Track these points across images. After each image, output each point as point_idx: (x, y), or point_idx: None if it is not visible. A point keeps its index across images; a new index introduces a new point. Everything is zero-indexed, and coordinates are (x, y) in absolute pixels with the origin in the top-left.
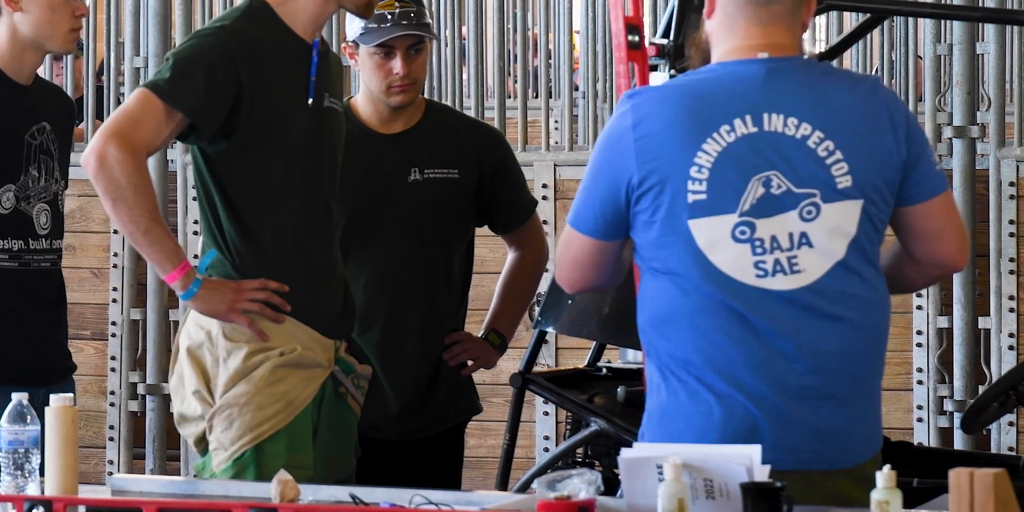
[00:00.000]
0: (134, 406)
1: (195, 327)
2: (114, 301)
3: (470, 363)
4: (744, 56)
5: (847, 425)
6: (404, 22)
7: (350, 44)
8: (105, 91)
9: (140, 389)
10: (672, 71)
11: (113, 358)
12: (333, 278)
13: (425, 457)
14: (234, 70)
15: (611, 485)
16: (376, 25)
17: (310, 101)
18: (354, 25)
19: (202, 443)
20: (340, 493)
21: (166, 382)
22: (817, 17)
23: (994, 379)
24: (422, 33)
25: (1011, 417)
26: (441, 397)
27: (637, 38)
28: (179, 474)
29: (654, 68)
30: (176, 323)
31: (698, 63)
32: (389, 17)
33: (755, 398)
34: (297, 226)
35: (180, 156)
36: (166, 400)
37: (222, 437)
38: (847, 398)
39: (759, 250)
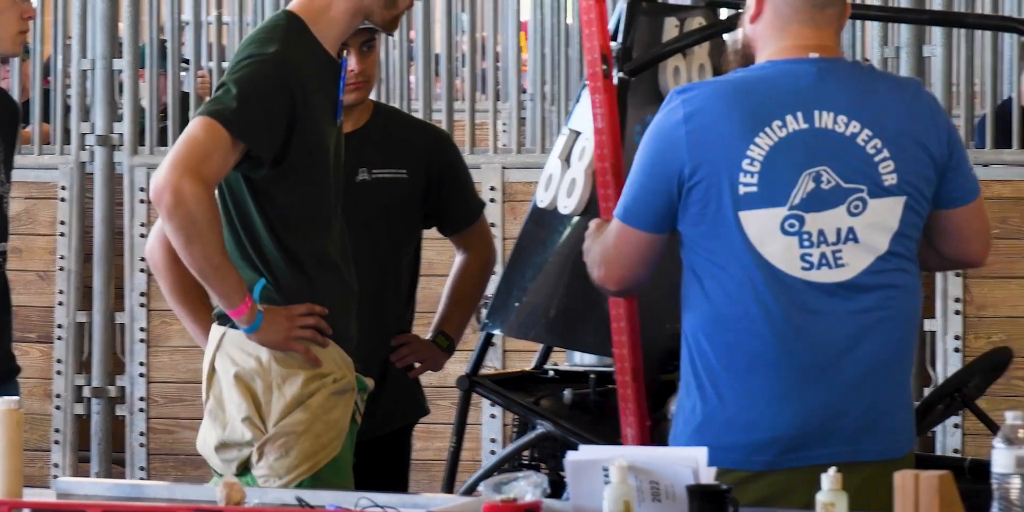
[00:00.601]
0: (79, 409)
1: (240, 352)
2: (60, 304)
3: (417, 365)
4: (795, 55)
5: (892, 414)
6: None
7: None
8: (52, 93)
9: (86, 392)
10: (621, 74)
11: (59, 361)
12: (355, 297)
13: (372, 459)
14: (290, 99)
15: (557, 488)
16: None
17: (338, 121)
18: None
19: (242, 468)
20: (286, 496)
21: (112, 385)
22: None
23: (940, 381)
24: (373, 25)
25: (956, 419)
26: (388, 399)
27: (606, 67)
28: (124, 477)
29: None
30: (122, 326)
31: (740, 64)
32: None
33: (801, 395)
34: (329, 247)
35: (127, 158)
36: (111, 403)
37: (276, 465)
38: (886, 389)
39: (806, 243)
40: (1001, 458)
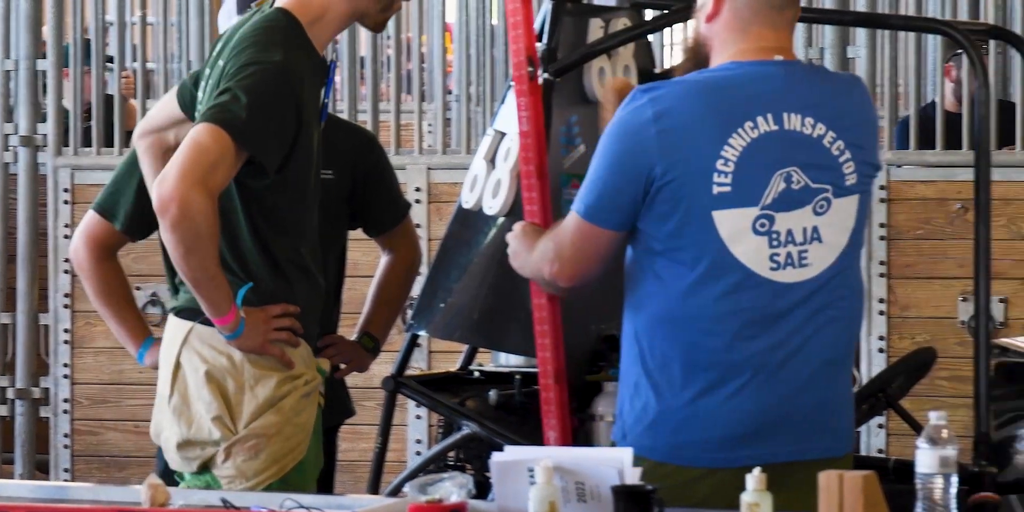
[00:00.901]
0: (3, 411)
1: (209, 349)
2: None
3: (343, 366)
4: (761, 57)
5: (838, 413)
6: None
7: None
8: None
9: (9, 394)
10: (546, 75)
11: None
12: (322, 296)
13: None
14: (296, 109)
15: (483, 488)
16: None
17: (322, 123)
18: (231, 25)
19: (202, 468)
20: (211, 497)
21: (36, 386)
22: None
23: (864, 382)
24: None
25: (880, 419)
26: None
27: (533, 69)
28: (48, 479)
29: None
30: (46, 327)
31: (691, 65)
32: None
33: (756, 393)
34: (303, 248)
35: (51, 159)
36: (35, 405)
37: (244, 467)
38: (834, 388)
39: (775, 243)
40: (925, 458)
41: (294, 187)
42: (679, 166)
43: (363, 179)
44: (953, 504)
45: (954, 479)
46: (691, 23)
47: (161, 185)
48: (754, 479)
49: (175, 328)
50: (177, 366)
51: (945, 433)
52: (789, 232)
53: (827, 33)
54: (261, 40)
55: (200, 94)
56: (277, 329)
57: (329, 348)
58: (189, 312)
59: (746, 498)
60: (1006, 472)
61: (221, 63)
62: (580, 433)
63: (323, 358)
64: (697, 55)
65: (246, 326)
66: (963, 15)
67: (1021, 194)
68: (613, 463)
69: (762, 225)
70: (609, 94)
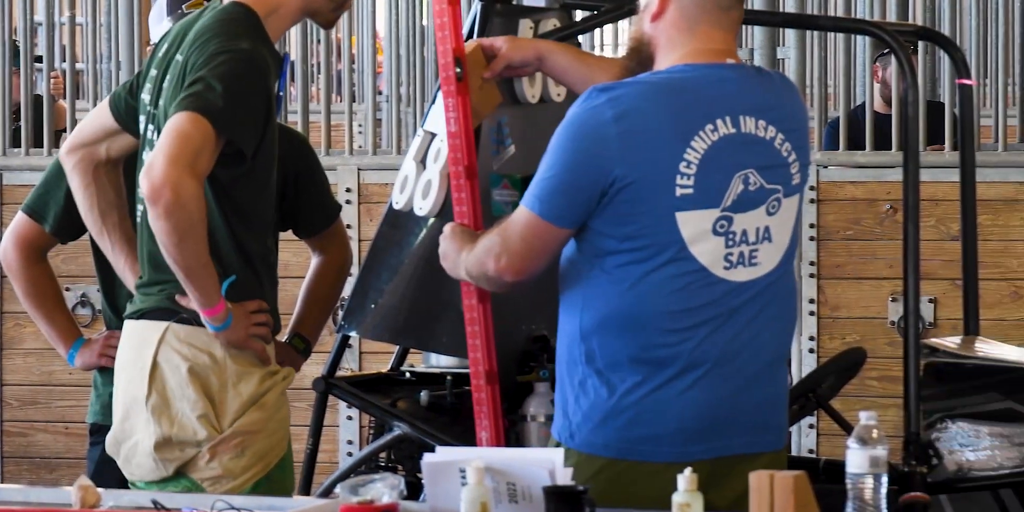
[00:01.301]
0: None
1: (188, 348)
2: None
3: None
4: (713, 60)
5: (779, 408)
6: None
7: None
8: None
9: None
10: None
11: None
12: (277, 291)
13: None
14: (265, 95)
15: (414, 489)
16: None
17: (278, 117)
18: (161, 26)
19: (176, 472)
20: (141, 498)
21: None
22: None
23: (794, 382)
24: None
25: (811, 419)
26: None
27: (460, 70)
28: None
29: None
30: None
31: (633, 61)
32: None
33: (707, 389)
34: (269, 243)
35: None
36: None
37: (231, 465)
38: (776, 384)
39: (731, 243)
40: (855, 458)
41: (260, 180)
42: (641, 168)
43: (294, 181)
44: (883, 504)
45: (884, 479)
46: (633, 22)
47: (150, 173)
48: (685, 479)
49: (146, 330)
50: (155, 366)
51: (875, 433)
52: (744, 232)
53: (757, 34)
54: (226, 31)
55: (146, 96)
56: (256, 324)
57: None
58: (160, 312)
59: (677, 498)
60: (936, 472)
61: (180, 58)
62: (511, 434)
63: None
64: (640, 54)
65: (233, 318)
66: (892, 16)
67: (950, 195)
68: (544, 464)
69: (721, 226)
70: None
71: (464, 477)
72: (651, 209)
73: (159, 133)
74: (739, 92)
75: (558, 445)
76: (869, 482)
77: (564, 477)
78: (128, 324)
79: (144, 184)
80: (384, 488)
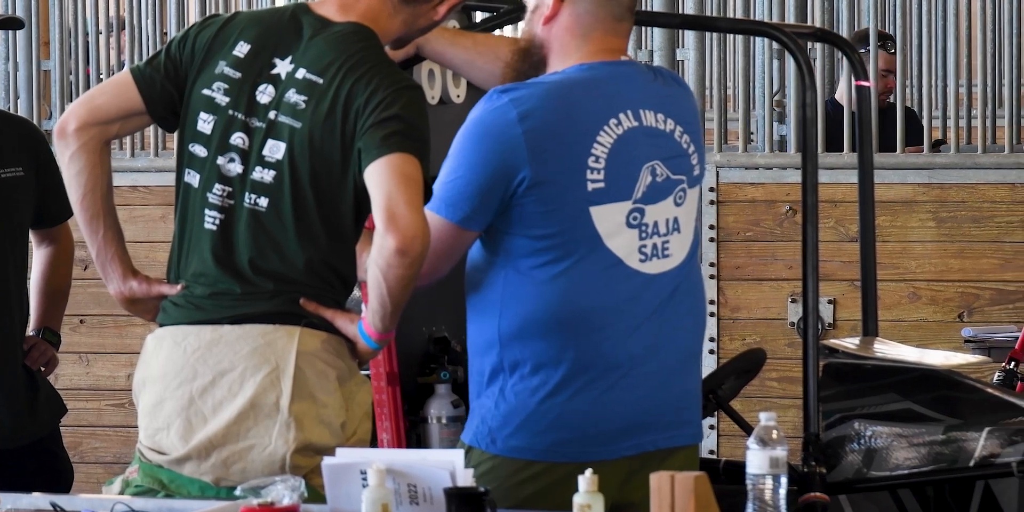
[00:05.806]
0: None
1: (329, 355)
2: None
3: (43, 367)
4: (609, 58)
5: (695, 403)
6: None
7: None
8: None
9: None
10: None
11: None
12: None
13: (32, 464)
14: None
15: None
16: None
17: None
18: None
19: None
20: (40, 501)
21: None
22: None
23: None
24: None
25: (711, 420)
26: (42, 401)
27: None
28: None
29: None
30: None
31: (525, 64)
32: None
33: (630, 385)
34: None
35: None
36: None
37: None
38: (692, 379)
39: (643, 235)
40: (755, 459)
41: None
42: (550, 166)
43: (38, 172)
44: (783, 504)
45: (784, 479)
46: (523, 24)
47: (398, 222)
48: (585, 480)
49: (269, 333)
50: (298, 371)
51: (775, 434)
52: (655, 224)
53: (656, 36)
54: (384, 59)
55: (222, 97)
56: None
57: (32, 351)
58: (283, 316)
59: (578, 500)
60: (835, 472)
61: (322, 81)
62: (412, 435)
63: (29, 361)
64: (532, 56)
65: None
66: (790, 18)
67: (848, 196)
68: (445, 465)
69: (634, 218)
70: None
71: (365, 479)
72: (564, 206)
73: (273, 145)
74: (637, 87)
75: (469, 449)
76: (769, 483)
77: (465, 478)
78: (231, 329)
79: (394, 234)
80: (285, 490)
